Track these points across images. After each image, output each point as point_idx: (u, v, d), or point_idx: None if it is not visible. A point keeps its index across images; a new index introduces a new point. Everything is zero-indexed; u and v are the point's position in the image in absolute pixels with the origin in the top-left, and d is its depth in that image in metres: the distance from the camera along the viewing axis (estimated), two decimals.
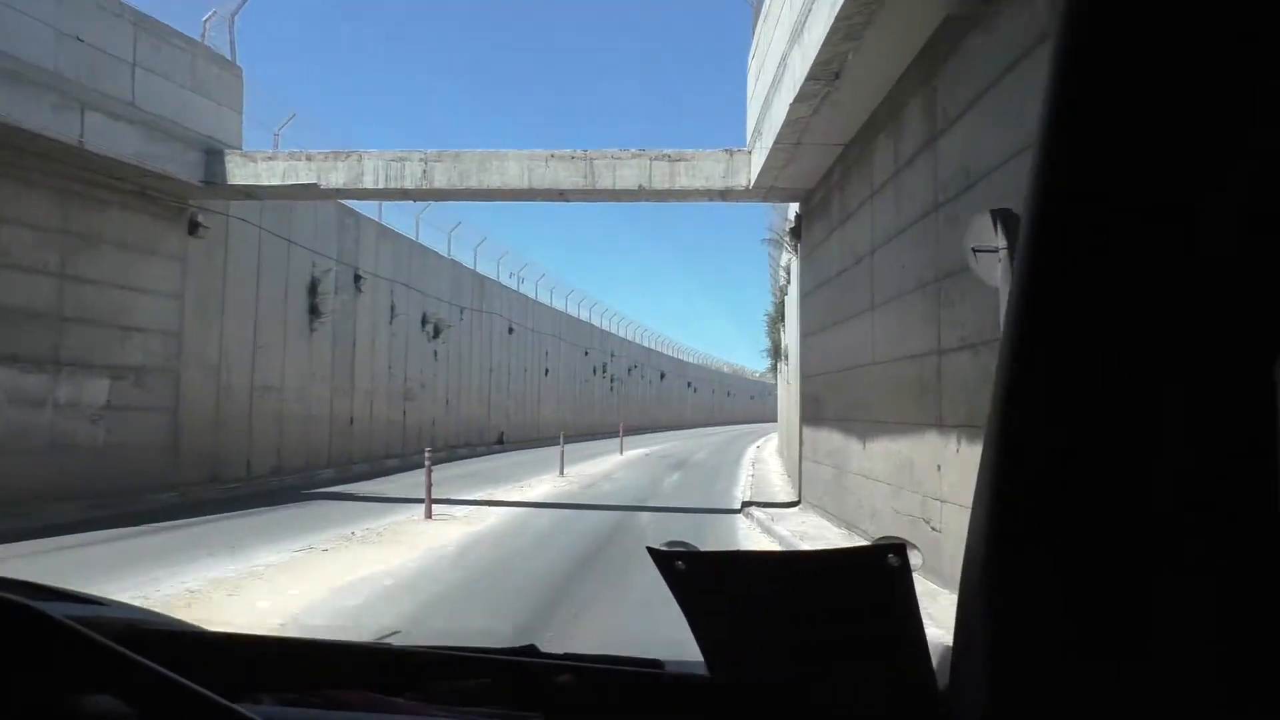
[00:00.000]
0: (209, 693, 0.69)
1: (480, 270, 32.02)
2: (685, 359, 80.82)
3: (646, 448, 34.92)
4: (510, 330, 34.50)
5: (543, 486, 17.89)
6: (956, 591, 0.83)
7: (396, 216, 24.77)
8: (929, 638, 0.99)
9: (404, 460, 22.93)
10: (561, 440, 23.75)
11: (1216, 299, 0.65)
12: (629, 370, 57.95)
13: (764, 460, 27.52)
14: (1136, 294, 0.67)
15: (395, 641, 1.32)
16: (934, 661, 1.00)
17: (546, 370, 39.94)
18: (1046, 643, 0.75)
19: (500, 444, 32.62)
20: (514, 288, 35.96)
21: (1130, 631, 0.71)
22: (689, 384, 79.83)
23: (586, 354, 47.13)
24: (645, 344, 65.23)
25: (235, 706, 0.71)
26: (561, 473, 20.73)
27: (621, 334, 57.45)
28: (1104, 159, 0.64)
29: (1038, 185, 0.66)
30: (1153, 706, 0.70)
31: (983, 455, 0.79)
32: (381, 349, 23.36)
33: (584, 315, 48.21)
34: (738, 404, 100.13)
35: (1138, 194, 0.63)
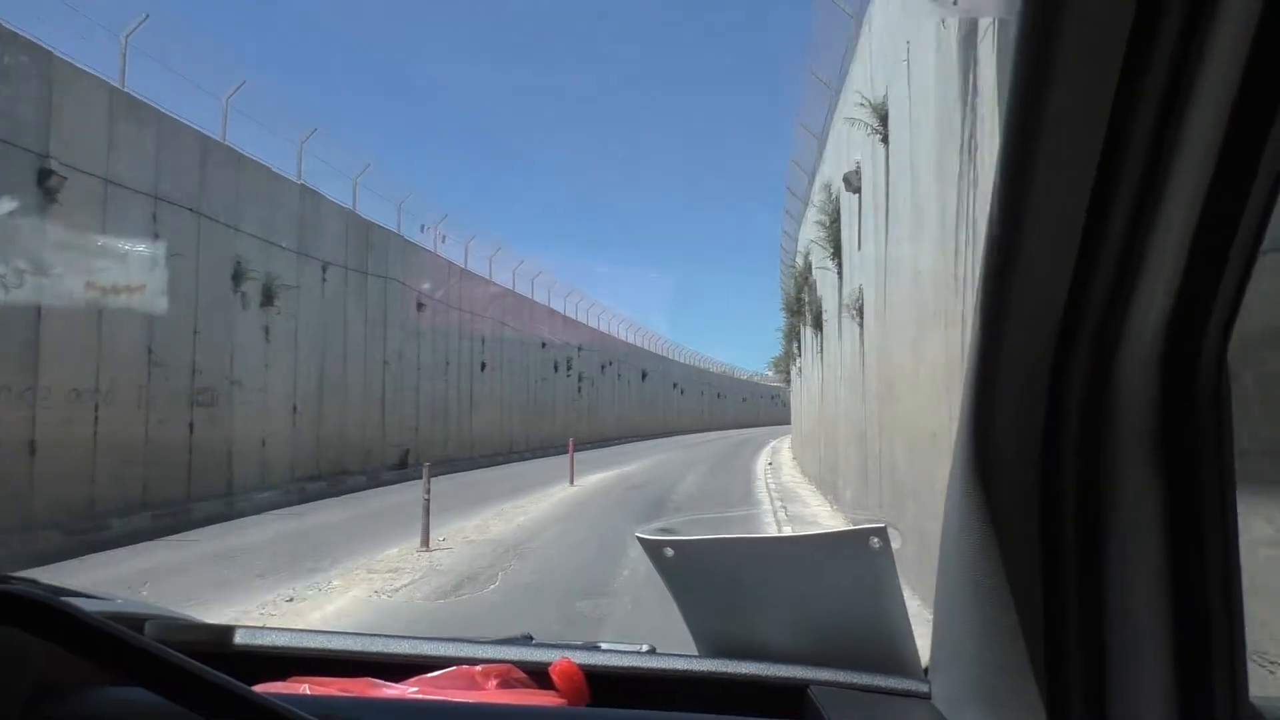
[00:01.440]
0: (233, 681, 0.69)
1: (364, 214, 21.94)
2: (671, 356, 70.87)
3: (617, 468, 24.92)
4: (420, 306, 24.32)
5: (331, 603, 7.45)
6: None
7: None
8: (911, 616, 1.04)
9: (170, 511, 12.91)
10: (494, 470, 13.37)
11: (1161, 299, 0.72)
12: (602, 368, 47.92)
13: (795, 494, 17.45)
14: (1088, 298, 0.75)
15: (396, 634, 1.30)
16: (916, 639, 1.06)
17: (483, 364, 29.77)
18: (1021, 622, 0.81)
19: (402, 467, 22.45)
20: (428, 247, 25.89)
21: (1090, 616, 0.79)
22: (675, 385, 69.94)
23: (545, 346, 37.02)
24: (626, 337, 55.27)
25: (258, 694, 0.71)
26: (425, 543, 10.60)
27: (594, 324, 47.45)
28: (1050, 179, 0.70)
29: (995, 204, 0.73)
30: (1114, 680, 0.78)
31: (955, 446, 0.86)
32: (130, 318, 13.12)
33: (543, 296, 38.27)
34: (729, 407, 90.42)
35: (1081, 208, 0.70)
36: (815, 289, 18.75)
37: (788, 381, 45.51)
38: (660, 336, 66.98)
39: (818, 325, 17.95)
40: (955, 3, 4.78)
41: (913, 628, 1.04)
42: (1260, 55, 0.63)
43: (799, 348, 25.24)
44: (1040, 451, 0.81)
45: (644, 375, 58.46)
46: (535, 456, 31.79)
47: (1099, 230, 0.73)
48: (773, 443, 47.82)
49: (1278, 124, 0.65)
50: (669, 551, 1.08)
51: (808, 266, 19.37)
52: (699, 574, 1.10)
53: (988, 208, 0.76)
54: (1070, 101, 0.66)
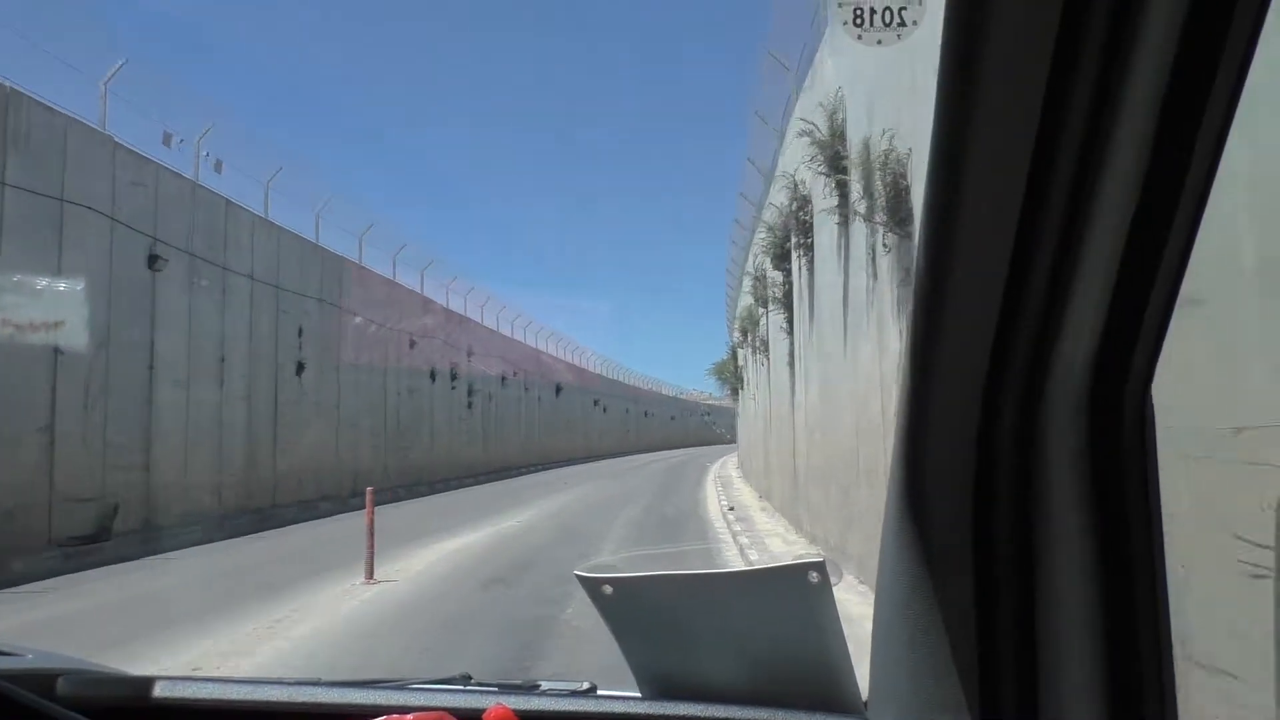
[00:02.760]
0: None
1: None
2: (591, 368, 61.76)
3: (499, 520, 15.71)
4: (154, 262, 14.62)
5: None
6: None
7: None
8: (850, 651, 1.02)
9: None
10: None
11: (1089, 313, 0.74)
12: (503, 379, 38.48)
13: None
14: (1015, 339, 0.78)
15: (326, 678, 1.25)
16: (855, 674, 1.03)
17: (300, 365, 20.08)
18: (955, 657, 0.82)
19: (93, 541, 12.72)
20: (186, 175, 16.22)
21: (1024, 652, 0.81)
22: (596, 401, 60.84)
23: (414, 345, 27.46)
24: (538, 345, 46.00)
25: None
26: None
27: (492, 324, 38.06)
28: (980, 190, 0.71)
29: (921, 250, 0.74)
30: (1048, 713, 0.80)
31: (889, 484, 0.87)
32: None
33: (434, 292, 28.77)
34: (656, 426, 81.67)
35: (1014, 221, 0.71)
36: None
37: (734, 392, 36.98)
38: (578, 344, 57.78)
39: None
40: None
41: (851, 663, 1.03)
42: (1174, 102, 0.65)
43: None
44: (972, 495, 0.83)
45: (558, 390, 49.18)
46: (398, 499, 22.30)
47: (1023, 275, 0.75)
48: (714, 468, 39.13)
49: (1192, 176, 0.67)
50: (608, 589, 1.07)
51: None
52: (639, 611, 1.09)
53: (914, 253, 0.77)
54: (993, 145, 0.68)
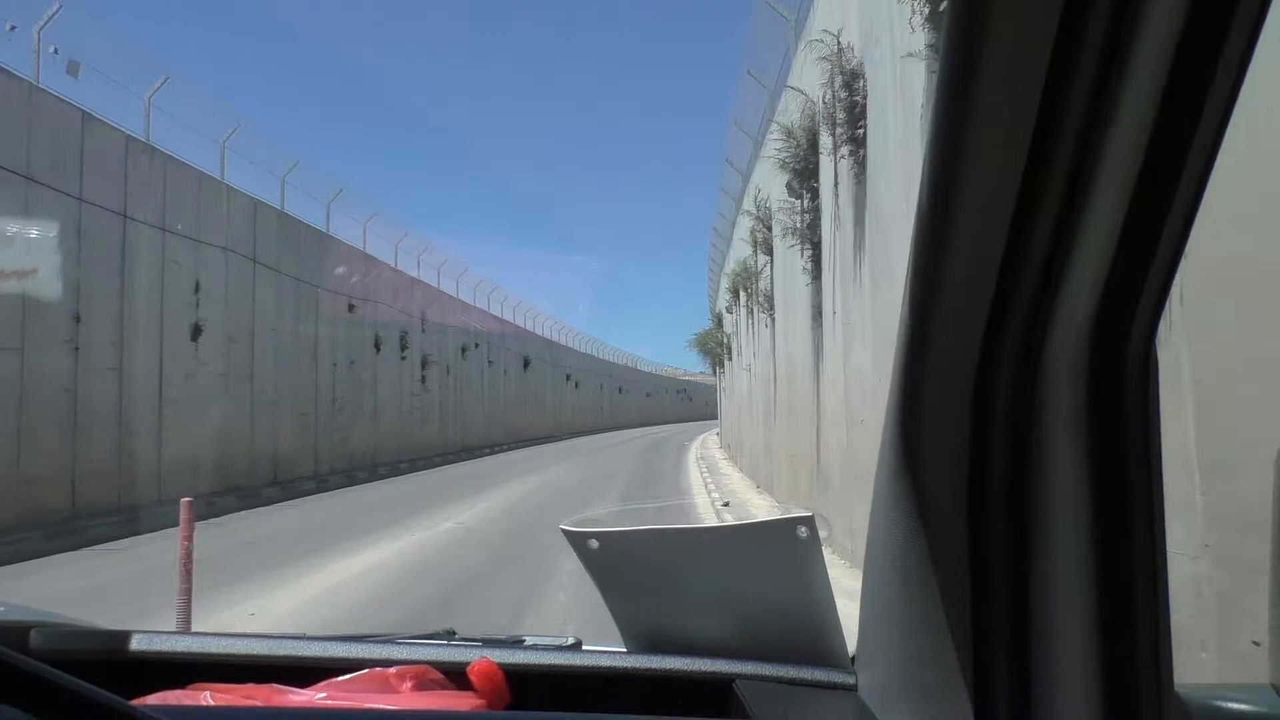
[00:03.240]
0: (108, 695, 0.62)
1: None
2: (564, 341, 58.14)
3: (420, 528, 11.92)
4: None
5: None
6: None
7: None
8: (839, 606, 1.03)
9: None
10: None
11: (1084, 299, 0.73)
12: (463, 350, 34.81)
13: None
14: (1014, 297, 0.76)
15: (310, 632, 1.26)
16: (843, 629, 1.04)
17: (196, 329, 16.33)
18: (947, 615, 0.82)
19: None
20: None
21: (1016, 610, 0.80)
22: (568, 376, 57.31)
23: (353, 309, 23.75)
24: (501, 313, 42.33)
25: (138, 707, 0.65)
26: None
27: (451, 289, 34.33)
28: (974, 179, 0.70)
29: (922, 203, 0.73)
30: (1039, 671, 0.79)
31: (882, 443, 0.87)
32: None
33: (383, 252, 25.03)
34: (632, 403, 78.38)
35: (1005, 213, 0.71)
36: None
37: (717, 365, 33.67)
38: (550, 315, 54.06)
39: None
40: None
41: (839, 617, 1.03)
42: (1188, 45, 0.64)
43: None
44: (968, 450, 0.82)
45: (526, 363, 45.57)
46: (327, 488, 18.70)
47: (1024, 229, 0.74)
48: (694, 446, 35.84)
49: (1202, 128, 0.66)
50: (594, 543, 1.06)
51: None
52: (624, 566, 1.08)
53: (915, 211, 0.76)
54: (996, 105, 0.68)
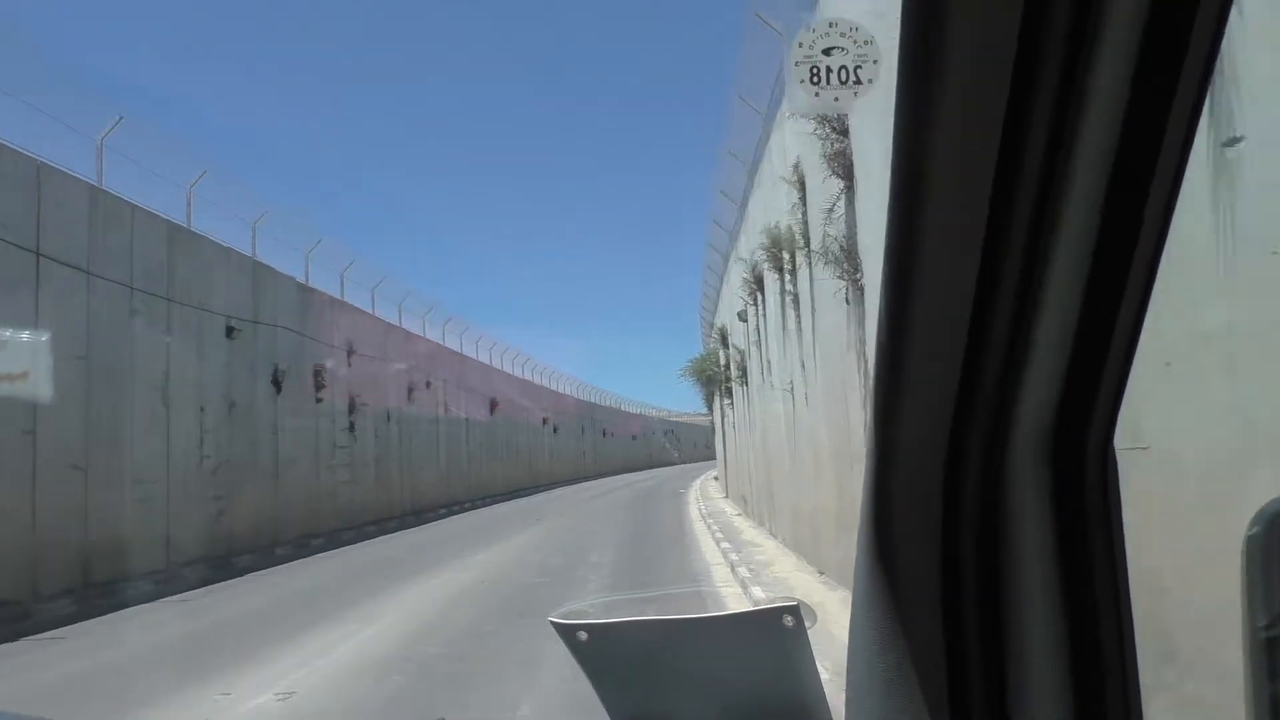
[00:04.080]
0: None
1: None
2: (539, 380, 51.95)
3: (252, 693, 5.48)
4: None
5: None
6: None
7: None
8: (826, 693, 1.02)
9: None
10: None
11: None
12: (409, 392, 28.55)
13: None
14: (978, 391, 0.78)
15: None
16: (831, 716, 1.03)
17: None
18: (929, 709, 0.82)
19: None
20: None
21: (993, 699, 0.82)
22: (545, 419, 51.00)
23: (233, 333, 17.50)
24: (461, 348, 36.20)
25: None
26: None
27: (393, 319, 28.23)
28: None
29: (892, 224, 0.73)
30: None
31: (859, 533, 0.88)
32: None
33: (237, 240, 18.95)
34: (617, 447, 72.01)
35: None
36: None
37: (714, 397, 27.72)
38: (521, 352, 47.86)
39: None
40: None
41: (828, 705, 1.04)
42: (1126, 157, 0.67)
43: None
44: (939, 543, 0.83)
45: (493, 406, 39.30)
46: (175, 587, 12.33)
47: (986, 322, 0.75)
48: (692, 496, 29.72)
49: (1148, 222, 0.69)
50: (582, 635, 1.05)
51: None
52: (614, 657, 1.07)
53: (877, 298, 0.78)
54: (951, 190, 0.69)
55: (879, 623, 0.83)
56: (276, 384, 19.02)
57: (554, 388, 55.94)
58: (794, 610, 0.97)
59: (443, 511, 28.29)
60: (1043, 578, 0.78)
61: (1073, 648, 0.77)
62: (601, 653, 1.04)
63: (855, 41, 5.66)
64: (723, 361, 24.29)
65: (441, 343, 33.25)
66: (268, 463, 18.61)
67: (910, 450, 0.81)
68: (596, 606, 1.16)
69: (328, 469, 21.58)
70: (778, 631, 0.98)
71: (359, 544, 19.18)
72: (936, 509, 0.82)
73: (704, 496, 29.89)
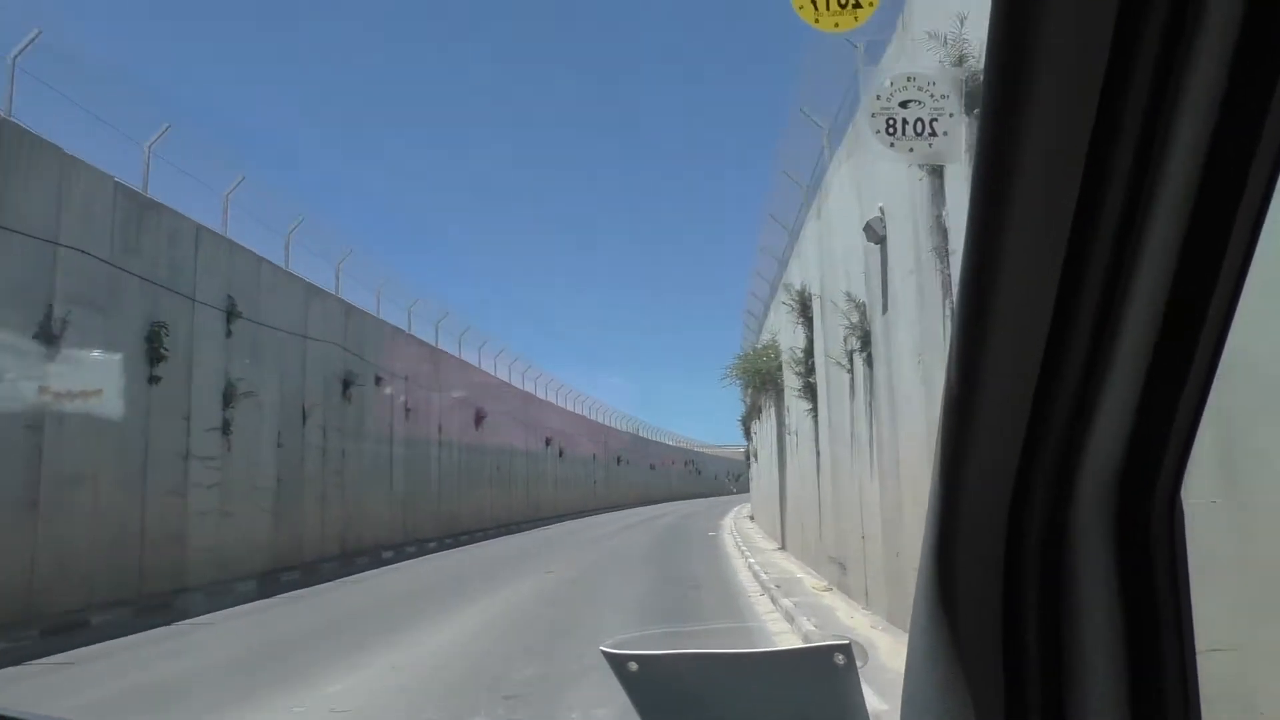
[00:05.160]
0: None
1: None
2: (543, 395, 44.05)
3: None
4: None
5: None
6: None
7: None
8: None
9: None
10: None
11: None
12: (345, 386, 20.73)
13: None
14: (1043, 443, 0.77)
15: None
16: None
17: None
18: None
19: None
20: None
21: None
22: (548, 441, 42.98)
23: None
24: (447, 348, 28.48)
25: None
26: None
27: (329, 286, 20.55)
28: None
29: (966, 270, 0.72)
30: None
31: (919, 575, 0.86)
32: None
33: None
34: (634, 476, 63.93)
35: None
36: None
37: (761, 400, 19.84)
38: (529, 362, 39.96)
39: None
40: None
41: None
42: (1199, 223, 0.66)
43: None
44: (1000, 591, 0.81)
45: (479, 419, 31.32)
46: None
47: (1054, 375, 0.74)
48: (727, 537, 21.68)
49: (1225, 269, 0.68)
50: (633, 666, 1.04)
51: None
52: (663, 689, 1.06)
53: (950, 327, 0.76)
54: (1024, 243, 0.69)
55: (937, 670, 0.83)
56: (226, 399, 11.26)
57: (558, 401, 47.98)
58: (845, 649, 0.97)
59: (388, 557, 20.47)
60: (1106, 631, 0.77)
61: (1133, 706, 0.75)
62: (652, 684, 1.04)
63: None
64: (772, 360, 16.56)
65: (421, 337, 25.52)
66: (134, 487, 10.80)
67: (975, 495, 0.80)
68: (646, 638, 1.17)
69: (169, 494, 13.77)
70: (829, 669, 0.98)
71: (239, 609, 11.35)
72: (999, 556, 0.81)
73: (745, 542, 21.69)
